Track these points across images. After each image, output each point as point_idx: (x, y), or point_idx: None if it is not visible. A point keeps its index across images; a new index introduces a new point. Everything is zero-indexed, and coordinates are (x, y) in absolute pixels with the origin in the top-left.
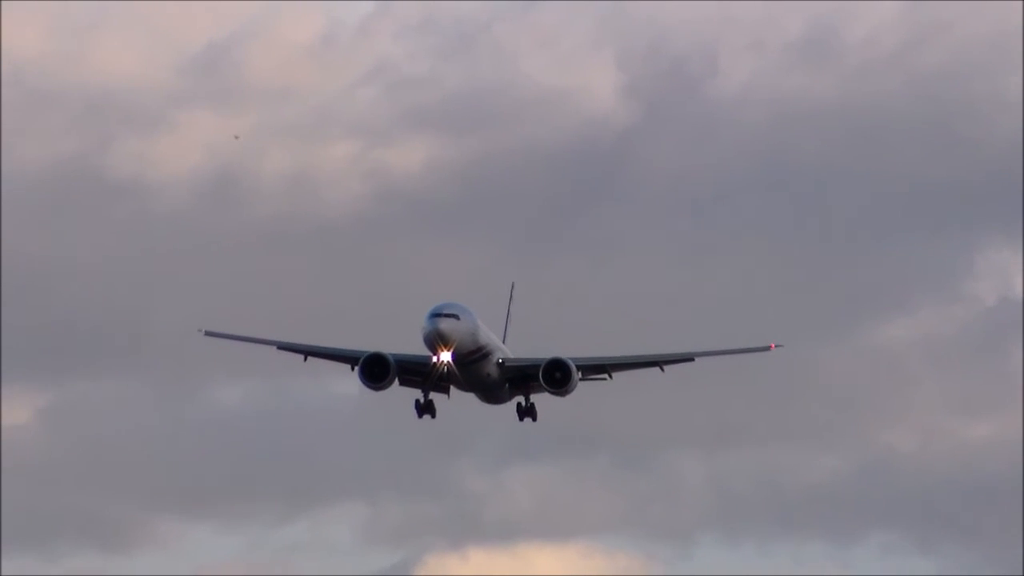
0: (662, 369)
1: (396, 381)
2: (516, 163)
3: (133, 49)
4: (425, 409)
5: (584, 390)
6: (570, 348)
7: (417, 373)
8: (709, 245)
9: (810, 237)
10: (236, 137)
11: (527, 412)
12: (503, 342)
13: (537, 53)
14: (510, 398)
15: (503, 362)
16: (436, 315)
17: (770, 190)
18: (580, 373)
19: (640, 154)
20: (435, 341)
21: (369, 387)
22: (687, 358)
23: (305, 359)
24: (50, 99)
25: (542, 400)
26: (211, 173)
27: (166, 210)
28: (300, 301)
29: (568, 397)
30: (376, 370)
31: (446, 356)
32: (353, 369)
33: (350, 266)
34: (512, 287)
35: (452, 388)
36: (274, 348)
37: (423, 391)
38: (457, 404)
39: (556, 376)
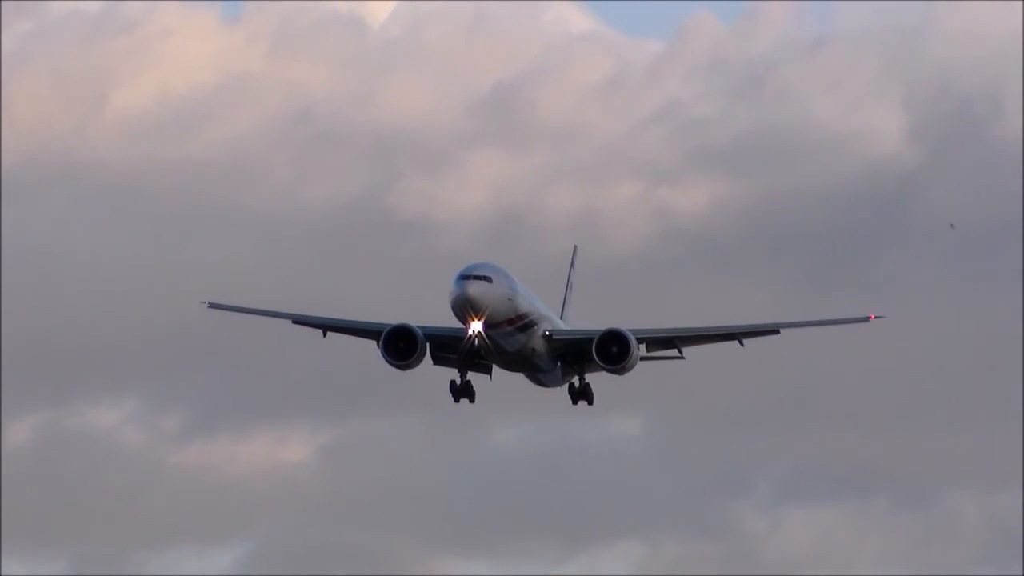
0: (742, 343)
1: (428, 358)
2: (800, 204)
3: (422, 89)
4: (462, 392)
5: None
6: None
7: (451, 348)
8: (993, 290)
9: None
10: None
11: (581, 394)
12: (561, 316)
13: (824, 94)
14: (565, 379)
15: (550, 334)
16: (464, 277)
17: None
18: (644, 348)
19: (924, 197)
20: (464, 308)
21: (394, 365)
22: (772, 330)
23: (324, 335)
24: (340, 138)
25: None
26: (497, 211)
27: (452, 248)
28: None
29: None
30: (402, 344)
31: (477, 326)
32: (378, 345)
33: (632, 303)
34: (575, 250)
35: (495, 368)
36: (289, 323)
37: (460, 371)
38: (501, 386)
39: (613, 351)
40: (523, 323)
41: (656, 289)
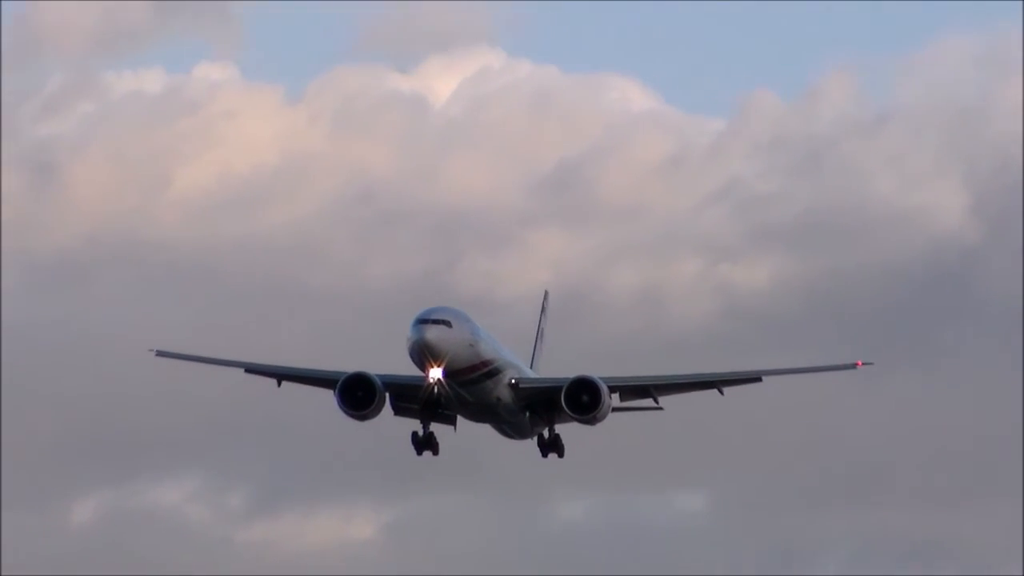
0: (721, 392)
1: (389, 408)
2: (861, 281)
3: (484, 167)
4: (424, 444)
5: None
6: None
7: (412, 398)
8: None
9: None
10: None
11: (551, 446)
12: (531, 365)
13: (884, 171)
14: (534, 430)
15: (516, 382)
16: (422, 321)
17: None
18: (616, 397)
19: (986, 273)
20: (423, 354)
21: (352, 415)
22: (754, 378)
23: (279, 384)
24: (401, 217)
25: (571, 432)
26: (560, 290)
27: (514, 326)
28: None
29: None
30: (359, 394)
31: (437, 373)
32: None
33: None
34: (545, 296)
35: (459, 418)
36: (241, 372)
37: (422, 422)
38: (466, 438)
39: (583, 400)
40: (487, 370)
41: (717, 366)
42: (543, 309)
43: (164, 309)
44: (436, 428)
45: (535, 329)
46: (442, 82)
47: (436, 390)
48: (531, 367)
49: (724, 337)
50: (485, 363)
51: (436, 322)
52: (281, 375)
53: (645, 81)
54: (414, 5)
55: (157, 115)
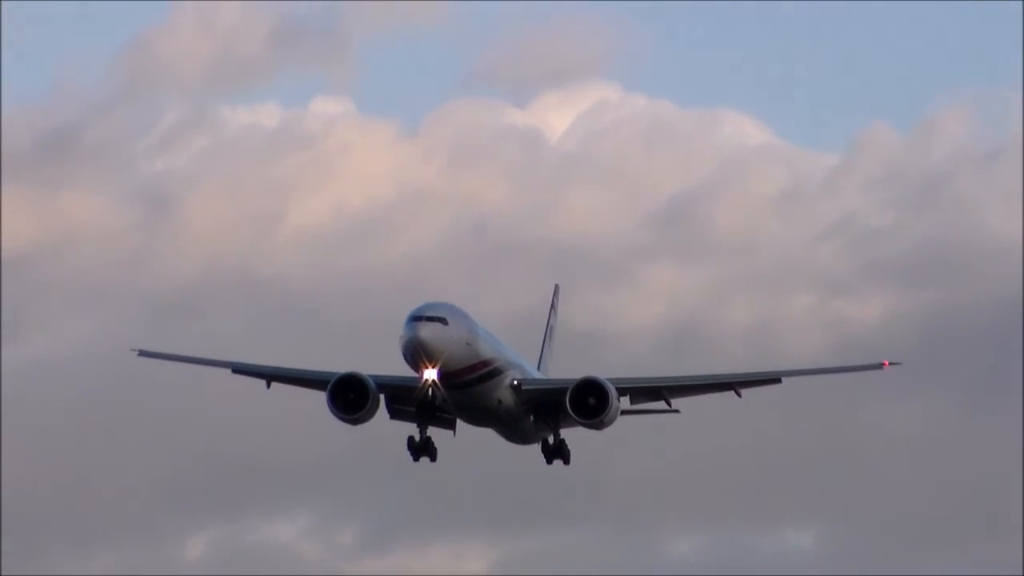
0: (739, 394)
1: (385, 411)
2: (977, 315)
3: (598, 201)
4: (421, 450)
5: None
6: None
7: (408, 400)
8: None
9: None
10: None
11: (556, 452)
12: (539, 365)
13: (1000, 204)
14: (539, 435)
15: (519, 384)
16: (416, 318)
17: None
18: (625, 400)
19: None
20: (416, 353)
21: (343, 419)
22: (772, 379)
23: (268, 385)
24: (515, 251)
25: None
26: (673, 324)
27: (627, 361)
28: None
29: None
30: (351, 396)
31: (431, 374)
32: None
33: (806, 418)
34: (556, 290)
35: (459, 422)
36: (229, 372)
37: (419, 425)
38: (466, 443)
39: (589, 403)
40: (486, 371)
41: (831, 401)
42: (552, 305)
43: (278, 343)
44: (434, 432)
45: (639, 367)
46: (557, 116)
47: (431, 392)
48: (538, 367)
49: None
50: (484, 363)
51: (431, 319)
52: (269, 375)
53: (759, 116)
54: (529, 39)
55: (272, 149)
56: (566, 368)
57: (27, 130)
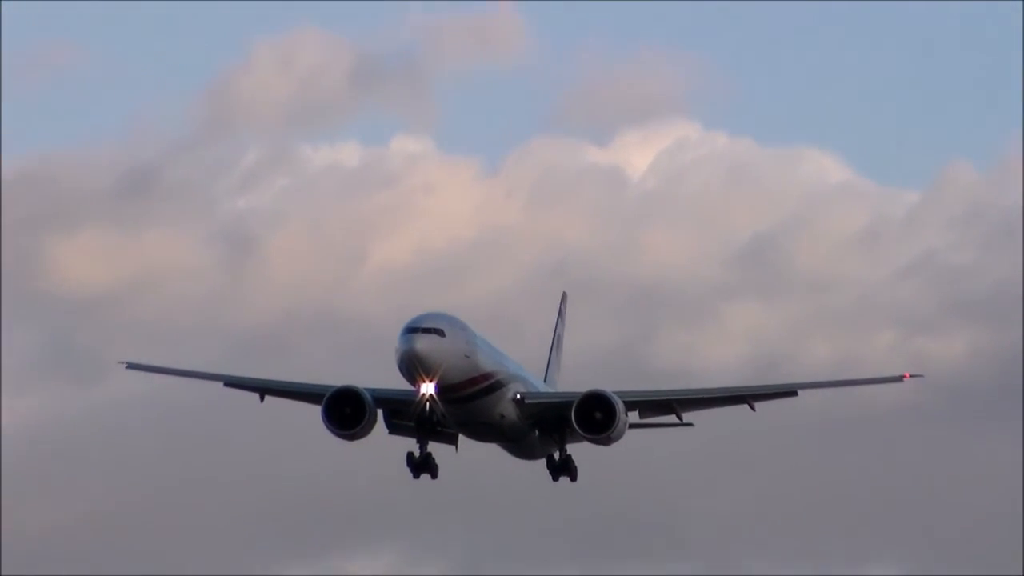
0: (752, 407)
1: (384, 426)
2: None
3: (680, 240)
4: (421, 466)
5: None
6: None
7: (408, 415)
8: None
9: None
10: None
11: (561, 468)
12: (546, 377)
13: None
14: (544, 450)
15: (522, 398)
16: (412, 330)
17: None
18: (635, 414)
19: None
20: (412, 366)
21: (339, 435)
22: (788, 392)
23: (262, 399)
24: (597, 289)
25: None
26: (755, 362)
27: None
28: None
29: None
30: (347, 410)
31: (429, 388)
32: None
33: (890, 456)
34: (563, 299)
35: (461, 437)
36: (220, 385)
37: (419, 441)
38: (469, 458)
39: (596, 417)
40: (487, 384)
41: (911, 440)
42: (560, 313)
43: (361, 382)
44: (435, 448)
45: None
46: (638, 155)
47: (429, 407)
48: (545, 379)
49: (918, 409)
50: (485, 376)
51: (427, 331)
52: (263, 389)
53: (840, 153)
54: (609, 77)
55: (353, 188)
56: (576, 381)
57: (108, 169)
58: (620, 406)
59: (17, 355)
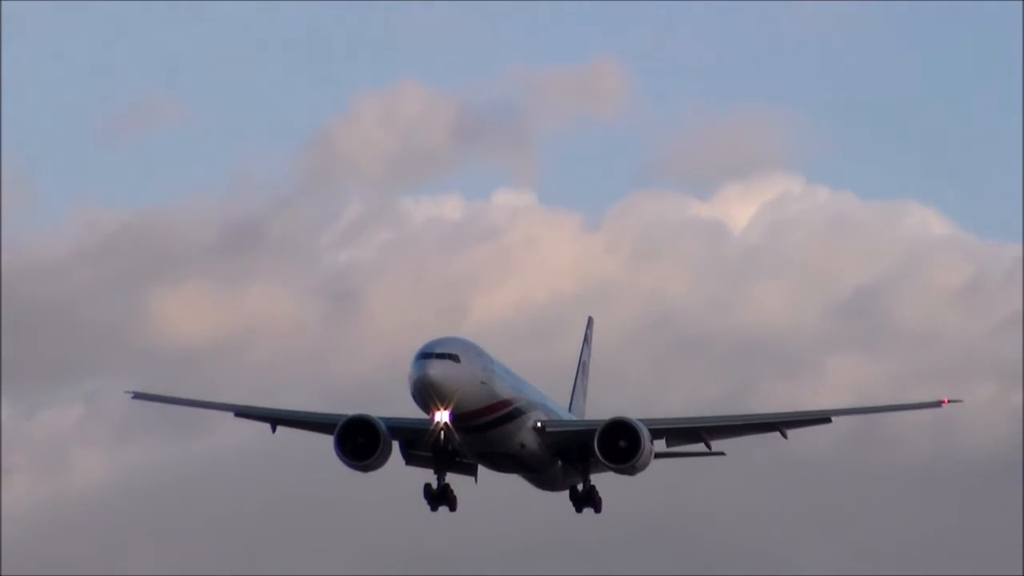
0: (784, 435)
1: (401, 456)
2: None
3: (782, 293)
4: (439, 498)
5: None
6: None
7: (423, 444)
8: None
9: None
10: None
11: (585, 499)
12: (570, 405)
13: None
14: (567, 480)
15: (543, 426)
16: (425, 356)
17: None
18: (661, 443)
19: None
20: (426, 393)
21: (352, 466)
22: (822, 419)
23: (274, 430)
24: (699, 343)
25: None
26: (858, 416)
27: (810, 453)
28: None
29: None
30: (361, 440)
31: (443, 416)
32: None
33: (989, 507)
34: (589, 323)
35: (480, 467)
36: (231, 415)
37: (436, 472)
38: (488, 490)
39: (620, 446)
40: (505, 412)
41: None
42: (586, 338)
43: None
44: (454, 479)
45: (822, 459)
46: (739, 208)
47: (444, 436)
48: (570, 408)
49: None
50: (503, 403)
51: (441, 356)
52: (274, 419)
53: (942, 208)
54: (710, 131)
55: (455, 242)
56: (602, 407)
57: (212, 222)
58: (645, 434)
59: (119, 408)
